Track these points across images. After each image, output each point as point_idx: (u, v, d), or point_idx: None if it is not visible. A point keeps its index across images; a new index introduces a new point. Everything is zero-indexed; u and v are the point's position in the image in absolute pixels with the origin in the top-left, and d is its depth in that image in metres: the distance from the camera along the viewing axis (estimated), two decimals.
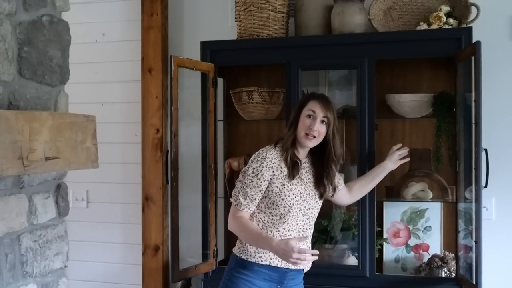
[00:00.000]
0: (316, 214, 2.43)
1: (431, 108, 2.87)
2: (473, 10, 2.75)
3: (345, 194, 2.59)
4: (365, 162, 2.74)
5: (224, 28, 3.27)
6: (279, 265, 2.31)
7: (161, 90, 3.26)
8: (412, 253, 2.98)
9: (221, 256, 3.09)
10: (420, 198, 2.89)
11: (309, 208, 2.36)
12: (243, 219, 2.30)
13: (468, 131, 2.63)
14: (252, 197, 2.29)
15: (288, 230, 2.32)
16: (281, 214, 2.30)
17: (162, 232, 3.28)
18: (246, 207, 2.30)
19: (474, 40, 2.56)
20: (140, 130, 3.32)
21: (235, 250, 2.39)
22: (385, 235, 2.98)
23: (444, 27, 2.78)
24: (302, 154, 2.39)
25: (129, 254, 3.43)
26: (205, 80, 2.95)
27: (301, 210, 2.33)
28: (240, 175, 2.35)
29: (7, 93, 2.22)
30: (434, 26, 2.79)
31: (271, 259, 2.30)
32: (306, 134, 2.31)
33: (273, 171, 2.29)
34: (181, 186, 2.86)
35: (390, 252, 2.99)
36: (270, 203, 2.32)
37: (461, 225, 2.72)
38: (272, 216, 2.32)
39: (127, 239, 3.44)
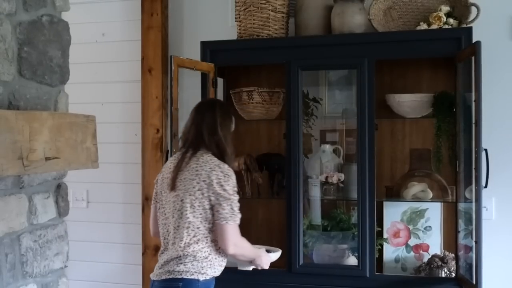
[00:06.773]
0: None
1: (431, 108, 2.87)
2: (473, 10, 2.76)
3: None
4: (365, 162, 2.74)
5: (224, 28, 3.27)
6: (216, 274, 2.29)
7: (161, 90, 3.26)
8: (412, 253, 2.97)
9: None
10: (420, 198, 2.89)
11: None
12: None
13: (468, 131, 2.62)
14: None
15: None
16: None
17: None
18: None
19: (474, 40, 2.56)
20: (140, 130, 3.32)
21: (189, 274, 2.18)
22: (385, 235, 2.98)
23: (444, 27, 2.78)
24: None
25: (129, 254, 3.43)
26: (205, 80, 2.95)
27: None
28: (227, 195, 2.19)
29: (7, 93, 2.22)
30: (434, 26, 2.79)
31: (214, 272, 2.26)
32: None
33: None
34: None
35: (390, 252, 2.98)
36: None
37: (461, 225, 2.72)
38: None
39: (127, 239, 3.44)
